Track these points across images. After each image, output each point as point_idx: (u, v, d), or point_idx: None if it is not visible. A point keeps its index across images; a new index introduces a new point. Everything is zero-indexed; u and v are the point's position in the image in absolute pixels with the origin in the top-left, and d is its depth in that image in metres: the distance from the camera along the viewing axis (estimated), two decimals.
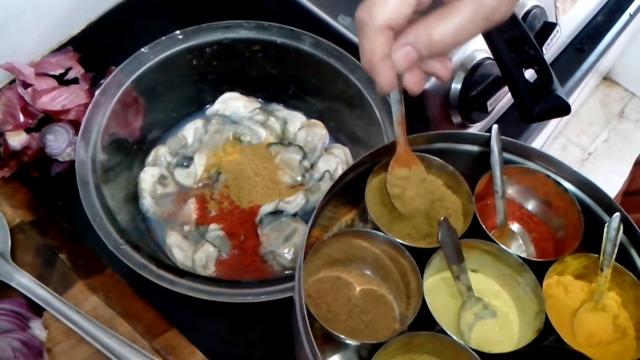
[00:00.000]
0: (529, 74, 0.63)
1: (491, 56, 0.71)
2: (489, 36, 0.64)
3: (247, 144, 0.79)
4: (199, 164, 0.77)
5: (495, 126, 0.59)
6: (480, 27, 0.43)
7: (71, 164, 0.75)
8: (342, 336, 0.51)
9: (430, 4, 0.45)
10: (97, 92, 0.71)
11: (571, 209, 0.58)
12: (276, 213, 0.73)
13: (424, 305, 0.52)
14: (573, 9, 0.88)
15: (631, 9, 0.96)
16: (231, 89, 0.82)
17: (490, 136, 0.59)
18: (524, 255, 0.60)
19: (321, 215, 0.59)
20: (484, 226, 0.56)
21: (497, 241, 0.55)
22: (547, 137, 1.61)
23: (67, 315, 0.66)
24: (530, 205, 0.63)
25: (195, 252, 0.71)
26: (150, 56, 0.73)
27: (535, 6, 0.80)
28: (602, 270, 0.55)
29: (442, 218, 0.55)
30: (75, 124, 0.77)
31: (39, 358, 0.64)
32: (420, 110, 0.74)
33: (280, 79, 0.81)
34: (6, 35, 0.82)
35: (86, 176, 0.66)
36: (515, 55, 0.63)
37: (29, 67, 0.79)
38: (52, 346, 0.66)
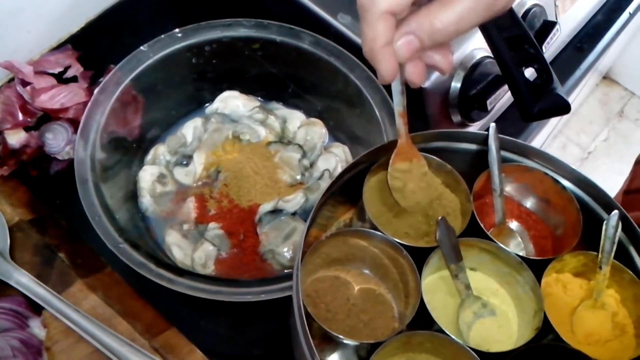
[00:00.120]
0: (529, 72, 0.63)
1: (491, 55, 0.71)
2: (488, 35, 0.64)
3: (247, 142, 0.79)
4: (198, 162, 0.77)
5: (492, 124, 0.59)
6: (481, 16, 0.42)
7: (70, 162, 0.75)
8: (340, 336, 0.51)
9: None
10: (96, 91, 0.71)
11: (570, 206, 0.58)
12: (275, 212, 0.73)
13: (422, 304, 0.52)
14: (573, 7, 0.88)
15: (631, 8, 0.96)
16: (230, 87, 0.82)
17: (488, 134, 0.59)
18: (522, 253, 0.61)
19: (319, 214, 0.59)
20: (482, 225, 0.56)
21: (495, 240, 0.55)
22: (547, 136, 1.61)
23: (66, 314, 0.66)
24: (529, 203, 0.63)
25: (195, 250, 0.71)
26: (150, 54, 0.73)
27: (535, 5, 0.80)
28: (600, 268, 0.55)
29: (439, 217, 0.55)
30: (74, 123, 0.77)
31: (38, 357, 0.63)
32: (419, 109, 0.74)
33: (280, 78, 0.81)
34: (5, 34, 0.82)
35: (85, 175, 0.66)
36: (515, 53, 0.63)
37: (28, 65, 0.79)
38: (51, 345, 0.66)
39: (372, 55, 0.44)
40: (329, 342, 0.54)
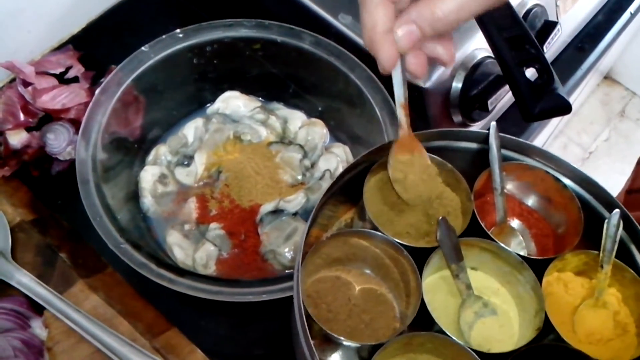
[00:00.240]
0: (530, 72, 0.63)
1: (492, 55, 0.71)
2: (489, 35, 0.64)
3: (248, 142, 0.79)
4: (200, 162, 0.77)
5: (493, 123, 0.59)
6: (482, 5, 0.42)
7: (71, 162, 0.75)
8: (341, 338, 0.51)
9: None
10: (97, 91, 0.71)
11: (571, 205, 0.58)
12: (276, 212, 0.73)
13: (424, 304, 0.52)
14: (574, 7, 0.88)
15: (632, 8, 0.96)
16: (231, 87, 0.82)
17: (488, 133, 0.59)
18: (523, 252, 0.61)
19: (320, 214, 0.59)
20: (482, 224, 0.56)
21: (496, 239, 0.55)
22: (548, 136, 1.61)
23: (68, 314, 0.66)
24: (531, 201, 0.63)
25: (196, 251, 0.71)
26: (151, 55, 0.73)
27: (536, 5, 0.80)
28: (602, 267, 0.55)
29: (440, 217, 0.55)
30: (75, 123, 0.77)
31: (39, 357, 0.63)
32: (421, 110, 0.74)
33: (281, 78, 0.81)
34: (6, 34, 0.82)
35: (86, 175, 0.66)
36: (516, 54, 0.63)
37: (29, 65, 0.79)
38: (53, 345, 0.66)
39: (371, 43, 0.44)
40: (330, 342, 0.54)
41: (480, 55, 0.76)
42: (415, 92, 0.72)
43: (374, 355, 0.50)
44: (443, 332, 0.51)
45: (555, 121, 1.42)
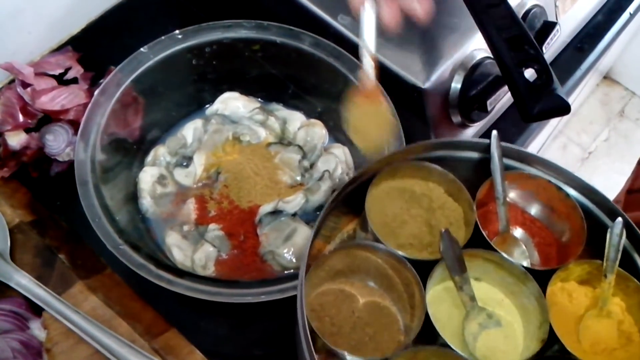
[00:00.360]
0: (529, 73, 0.63)
1: (491, 55, 0.71)
2: (488, 35, 0.64)
3: (247, 143, 0.79)
4: (199, 163, 0.77)
5: (494, 132, 0.59)
6: None
7: (70, 164, 0.75)
8: (345, 353, 0.51)
9: None
10: (96, 92, 0.71)
11: (574, 214, 0.58)
12: (276, 213, 0.73)
13: (428, 316, 0.52)
14: (573, 8, 0.88)
15: (631, 8, 0.96)
16: (231, 88, 0.82)
17: (490, 143, 0.59)
18: (527, 262, 0.60)
19: (323, 225, 0.59)
20: (485, 234, 0.56)
21: (498, 249, 0.55)
22: (547, 137, 1.61)
23: (67, 315, 0.66)
24: (533, 210, 0.63)
25: (195, 252, 0.71)
26: (150, 56, 0.73)
27: (535, 5, 0.79)
28: (605, 276, 0.55)
29: (442, 230, 0.54)
30: (74, 124, 0.77)
31: (38, 358, 0.63)
32: (419, 110, 0.74)
33: (280, 79, 0.81)
34: (5, 35, 0.82)
35: (85, 176, 0.66)
36: (515, 54, 0.63)
37: (28, 66, 0.79)
38: (52, 346, 0.66)
39: None
40: (334, 357, 0.54)
41: (479, 55, 0.76)
42: (414, 93, 0.72)
43: None
44: (447, 344, 0.51)
45: (554, 121, 1.42)
